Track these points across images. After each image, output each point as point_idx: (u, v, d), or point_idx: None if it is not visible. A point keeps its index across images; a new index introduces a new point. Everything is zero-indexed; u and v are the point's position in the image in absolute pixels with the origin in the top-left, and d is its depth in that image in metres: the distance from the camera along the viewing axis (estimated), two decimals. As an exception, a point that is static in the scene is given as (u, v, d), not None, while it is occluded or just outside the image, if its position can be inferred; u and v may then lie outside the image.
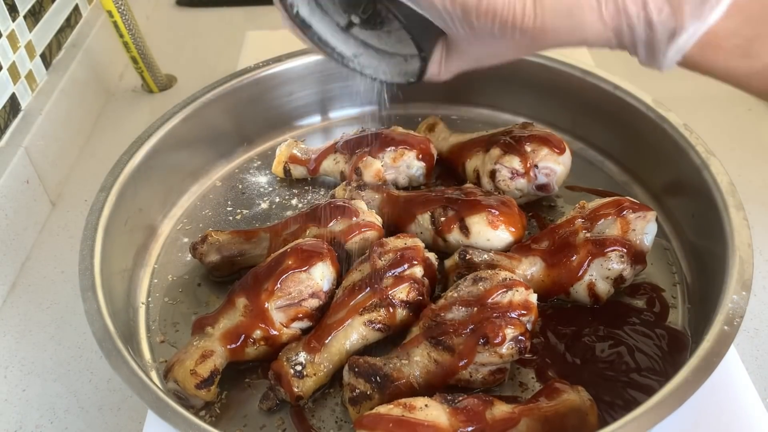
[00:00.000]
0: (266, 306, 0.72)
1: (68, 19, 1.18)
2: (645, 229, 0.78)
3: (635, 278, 0.80)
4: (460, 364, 0.68)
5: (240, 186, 0.99)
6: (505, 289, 0.70)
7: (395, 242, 0.77)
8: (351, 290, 0.74)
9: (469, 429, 0.62)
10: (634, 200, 0.82)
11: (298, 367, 0.70)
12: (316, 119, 1.09)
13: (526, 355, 0.71)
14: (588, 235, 0.77)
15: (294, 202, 0.97)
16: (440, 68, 0.48)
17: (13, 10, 1.00)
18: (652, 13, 0.41)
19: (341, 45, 0.47)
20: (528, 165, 0.87)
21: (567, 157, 0.89)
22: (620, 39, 0.43)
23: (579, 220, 0.79)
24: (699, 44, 0.41)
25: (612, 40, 0.43)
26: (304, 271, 0.74)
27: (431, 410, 0.62)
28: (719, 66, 0.43)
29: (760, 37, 0.41)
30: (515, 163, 0.87)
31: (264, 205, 0.96)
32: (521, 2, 0.40)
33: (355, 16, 0.45)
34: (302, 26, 0.45)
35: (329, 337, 0.71)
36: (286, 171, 0.98)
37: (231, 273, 0.85)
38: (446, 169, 0.98)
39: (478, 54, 0.48)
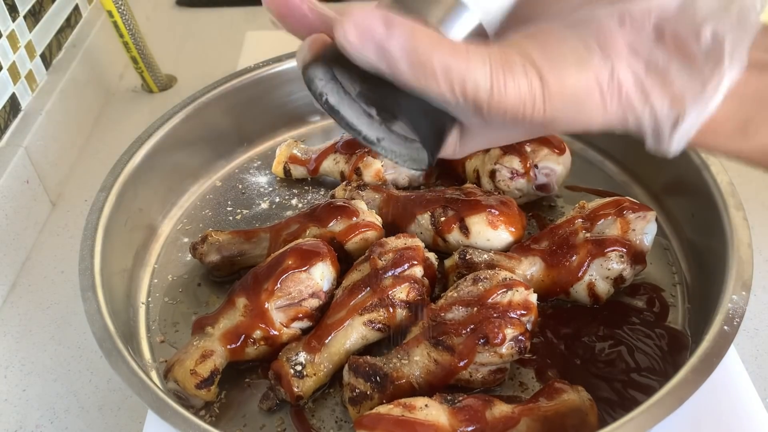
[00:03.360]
0: (266, 306, 0.72)
1: (68, 19, 1.18)
2: (645, 229, 0.78)
3: (635, 278, 0.80)
4: (460, 364, 0.68)
5: (240, 186, 0.99)
6: (505, 289, 0.70)
7: (395, 242, 0.77)
8: (351, 290, 0.74)
9: (469, 429, 0.62)
10: (634, 200, 0.82)
11: (298, 367, 0.70)
12: (316, 119, 1.09)
13: (526, 355, 0.71)
14: (588, 235, 0.77)
15: (294, 202, 0.96)
16: (455, 149, 0.52)
17: (13, 10, 1.00)
18: (656, 106, 0.42)
19: (366, 129, 0.50)
20: (528, 165, 0.87)
21: (567, 157, 0.89)
22: (626, 127, 0.45)
23: (579, 220, 0.79)
24: (699, 131, 0.43)
25: (619, 128, 0.46)
26: (304, 271, 0.74)
27: (431, 410, 0.62)
28: (719, 147, 0.45)
29: (754, 119, 0.43)
30: (515, 163, 0.87)
31: (264, 205, 0.96)
32: (530, 100, 0.41)
33: (372, 110, 0.49)
34: (331, 112, 0.49)
35: (329, 337, 0.71)
36: (286, 171, 0.98)
37: (231, 273, 0.85)
38: (446, 169, 0.97)
39: (491, 137, 0.53)
